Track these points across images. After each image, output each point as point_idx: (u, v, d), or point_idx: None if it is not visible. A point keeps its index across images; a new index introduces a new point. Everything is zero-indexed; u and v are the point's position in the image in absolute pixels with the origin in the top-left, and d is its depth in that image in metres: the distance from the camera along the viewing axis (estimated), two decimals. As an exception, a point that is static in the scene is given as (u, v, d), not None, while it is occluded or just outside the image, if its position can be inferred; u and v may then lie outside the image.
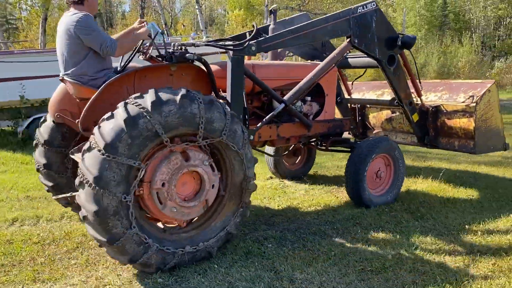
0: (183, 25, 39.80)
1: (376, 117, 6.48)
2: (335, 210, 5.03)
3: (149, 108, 3.12)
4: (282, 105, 4.50)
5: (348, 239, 4.17)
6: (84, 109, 3.54)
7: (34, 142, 4.43)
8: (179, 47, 3.96)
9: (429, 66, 28.14)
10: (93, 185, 2.98)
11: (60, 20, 3.86)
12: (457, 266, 3.60)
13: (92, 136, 3.14)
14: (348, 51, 5.02)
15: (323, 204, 5.26)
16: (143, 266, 3.34)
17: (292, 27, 4.42)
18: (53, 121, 4.24)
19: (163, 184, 3.29)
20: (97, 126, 3.15)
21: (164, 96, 3.21)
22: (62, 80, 3.94)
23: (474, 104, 5.21)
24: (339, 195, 5.65)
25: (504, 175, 6.68)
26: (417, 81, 5.56)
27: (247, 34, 4.87)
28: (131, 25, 4.26)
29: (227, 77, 4.04)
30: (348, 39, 4.77)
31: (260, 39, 4.20)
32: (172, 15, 40.84)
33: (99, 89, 3.50)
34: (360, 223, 4.58)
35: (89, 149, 3.10)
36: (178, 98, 3.23)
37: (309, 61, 5.73)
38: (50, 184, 4.41)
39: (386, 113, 6.31)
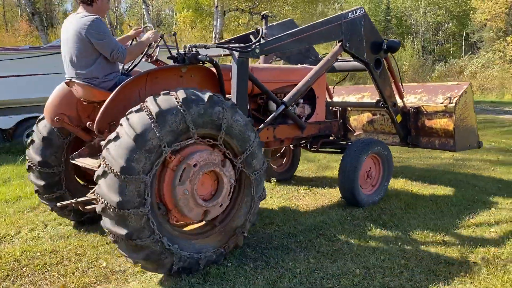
0: (129, 26, 38.50)
1: (357, 120, 6.69)
2: (296, 220, 4.78)
3: (228, 106, 3.44)
4: (282, 107, 4.60)
5: (313, 253, 3.92)
6: (100, 111, 3.45)
7: (27, 165, 4.26)
8: (191, 49, 3.91)
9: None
10: (153, 117, 3.06)
11: (66, 20, 3.76)
12: (427, 279, 3.44)
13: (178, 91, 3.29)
14: (340, 55, 5.17)
15: (283, 214, 4.98)
16: (120, 221, 3.01)
17: (291, 31, 4.53)
18: (45, 133, 4.16)
19: (195, 165, 3.33)
20: (182, 88, 3.31)
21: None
22: (69, 83, 3.82)
23: (454, 105, 5.49)
24: (299, 203, 5.41)
25: (456, 177, 6.71)
26: (400, 84, 5.75)
27: (251, 37, 4.84)
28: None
29: (232, 78, 4.13)
30: (340, 43, 4.95)
31: (262, 42, 4.28)
32: (118, 15, 39.46)
33: (115, 91, 3.42)
34: (323, 234, 4.35)
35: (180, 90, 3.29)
36: (247, 119, 3.65)
37: (299, 64, 5.73)
38: (53, 202, 4.29)
39: (367, 116, 6.54)
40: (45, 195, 4.29)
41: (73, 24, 3.62)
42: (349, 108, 6.71)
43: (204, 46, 4.08)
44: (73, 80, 3.71)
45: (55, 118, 3.91)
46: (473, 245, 4.06)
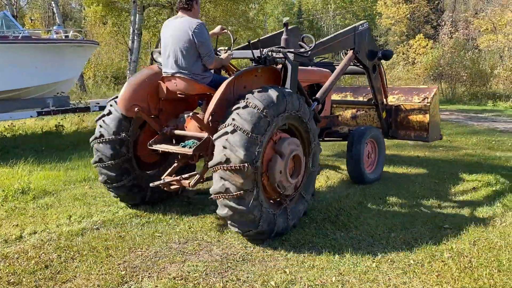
0: (31, 19, 35.33)
1: (341, 115, 7.51)
2: (253, 226, 4.49)
3: (303, 101, 4.40)
4: (316, 103, 5.30)
5: (283, 262, 3.67)
6: (214, 103, 4.03)
7: (96, 158, 4.61)
8: (268, 52, 4.59)
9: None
10: (260, 110, 3.79)
11: (169, 23, 4.46)
12: (404, 282, 3.36)
13: None
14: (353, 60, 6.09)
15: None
16: (240, 200, 3.75)
17: (323, 40, 5.45)
18: (122, 115, 4.54)
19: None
20: (272, 87, 4.12)
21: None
22: (167, 77, 4.41)
23: (429, 104, 6.61)
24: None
25: (395, 174, 6.89)
26: (386, 86, 6.76)
27: (304, 42, 5.46)
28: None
29: (288, 78, 4.63)
30: (352, 50, 5.89)
31: (310, 48, 4.96)
32: (17, 7, 36.05)
33: (225, 86, 4.07)
34: (287, 240, 4.12)
35: None
36: (312, 111, 4.72)
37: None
38: (121, 190, 4.73)
39: (351, 112, 7.49)
40: (114, 184, 4.65)
41: (181, 25, 4.27)
42: (334, 105, 7.36)
43: (279, 51, 4.65)
44: (177, 75, 4.31)
45: (136, 108, 4.42)
46: (435, 243, 4.09)
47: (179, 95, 4.51)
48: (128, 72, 16.82)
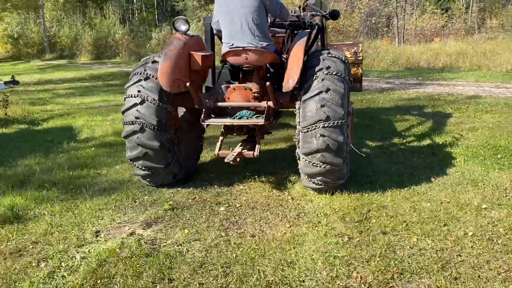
0: None
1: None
2: None
3: None
4: None
5: None
6: (300, 71, 4.01)
7: (134, 155, 4.22)
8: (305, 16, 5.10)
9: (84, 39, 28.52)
10: (342, 72, 4.09)
11: None
12: None
13: None
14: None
15: None
16: (340, 153, 3.93)
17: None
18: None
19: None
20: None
21: None
22: (235, 51, 4.13)
23: (361, 58, 7.11)
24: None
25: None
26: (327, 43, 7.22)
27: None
28: None
29: (324, 40, 5.57)
30: None
31: (329, 10, 5.45)
32: None
33: (303, 54, 4.15)
34: None
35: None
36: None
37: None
38: (162, 165, 4.32)
39: None
40: (163, 174, 4.41)
41: None
42: None
43: (317, 14, 5.18)
44: (248, 48, 4.07)
45: (185, 84, 4.18)
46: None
47: (245, 67, 4.42)
48: None
